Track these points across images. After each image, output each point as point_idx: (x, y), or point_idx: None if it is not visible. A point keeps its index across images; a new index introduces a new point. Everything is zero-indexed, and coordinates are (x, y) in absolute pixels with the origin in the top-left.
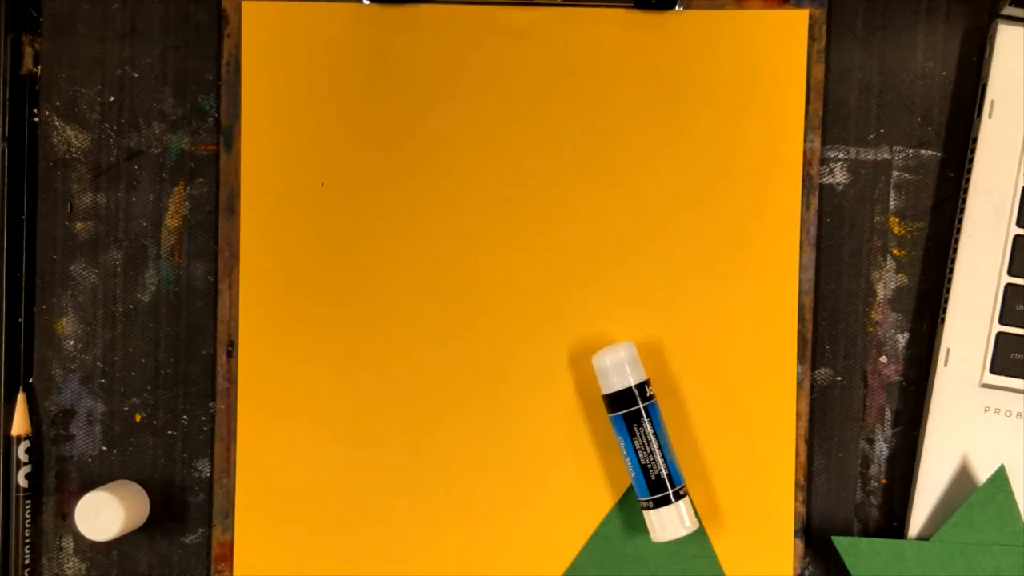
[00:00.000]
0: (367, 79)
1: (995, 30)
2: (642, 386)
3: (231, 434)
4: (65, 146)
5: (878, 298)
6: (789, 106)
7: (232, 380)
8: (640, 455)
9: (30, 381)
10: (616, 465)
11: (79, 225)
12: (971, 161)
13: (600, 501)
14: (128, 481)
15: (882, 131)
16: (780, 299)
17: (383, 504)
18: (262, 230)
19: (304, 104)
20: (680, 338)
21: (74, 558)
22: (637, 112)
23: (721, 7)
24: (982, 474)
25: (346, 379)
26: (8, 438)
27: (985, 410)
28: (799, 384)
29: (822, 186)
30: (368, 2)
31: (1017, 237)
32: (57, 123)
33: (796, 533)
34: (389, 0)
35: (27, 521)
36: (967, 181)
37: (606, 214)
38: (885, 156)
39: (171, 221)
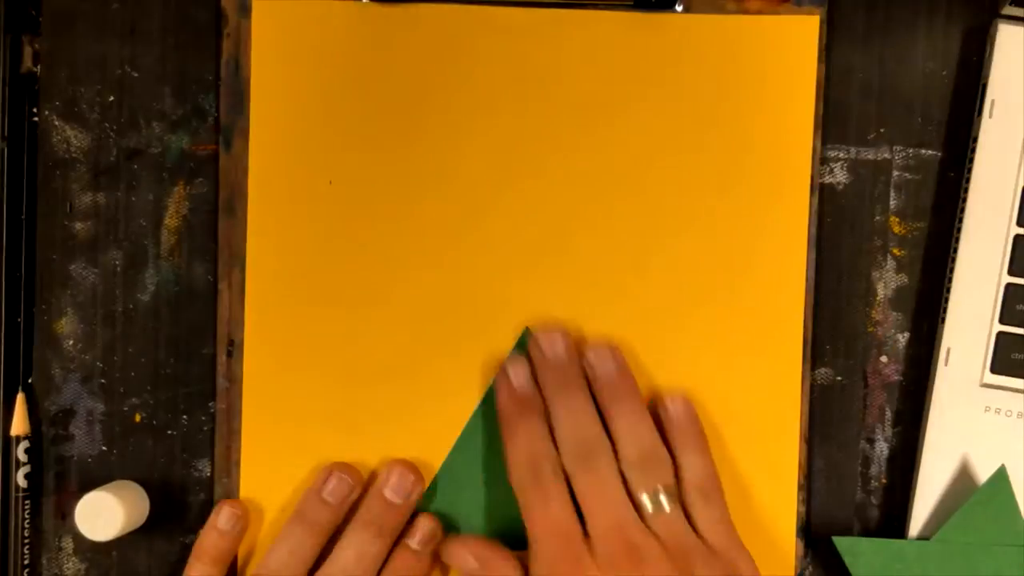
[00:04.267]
0: (374, 77)
1: (996, 30)
2: None
3: (231, 433)
4: (65, 146)
5: (878, 298)
6: (798, 111)
7: (232, 380)
8: None
9: (29, 381)
10: None
11: (79, 225)
12: (971, 161)
13: None
14: (128, 481)
15: (882, 131)
16: (786, 302)
17: None
18: (270, 228)
19: (312, 102)
20: (685, 340)
21: (74, 558)
22: (643, 114)
23: (722, 7)
24: (982, 474)
25: (354, 379)
26: (7, 438)
27: (985, 410)
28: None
29: (822, 186)
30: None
31: (1018, 236)
32: (56, 123)
33: (796, 533)
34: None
35: (26, 521)
36: (967, 181)
37: (611, 213)
38: (885, 156)
39: (171, 221)
